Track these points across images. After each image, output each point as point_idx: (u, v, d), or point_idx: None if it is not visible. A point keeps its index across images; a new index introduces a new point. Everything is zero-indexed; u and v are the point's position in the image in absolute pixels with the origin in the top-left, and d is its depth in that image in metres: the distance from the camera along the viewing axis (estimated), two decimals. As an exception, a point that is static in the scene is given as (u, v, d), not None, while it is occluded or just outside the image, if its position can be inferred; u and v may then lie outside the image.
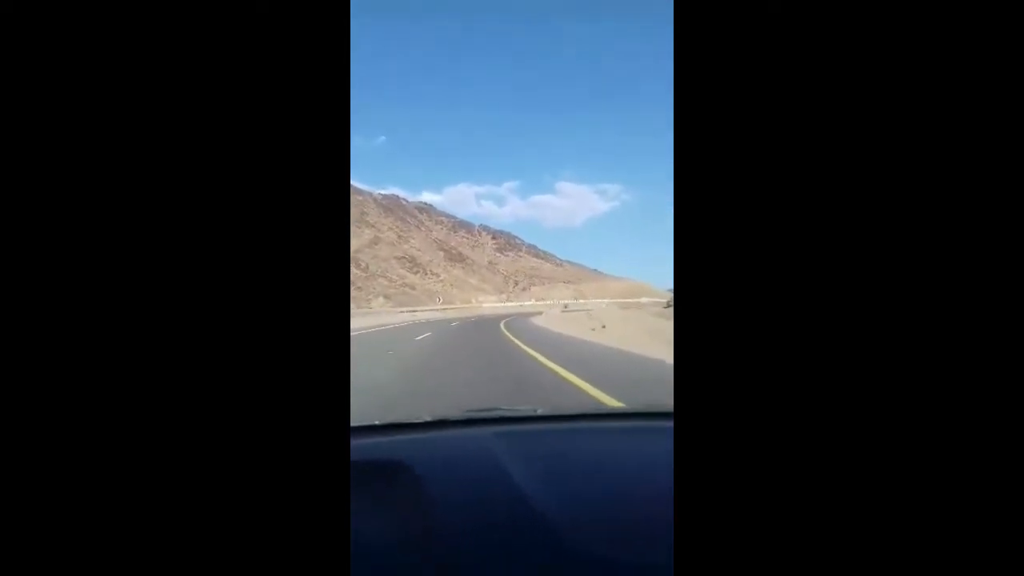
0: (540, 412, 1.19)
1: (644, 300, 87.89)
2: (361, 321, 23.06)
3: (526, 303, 74.89)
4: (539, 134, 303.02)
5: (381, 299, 68.09)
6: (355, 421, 0.82)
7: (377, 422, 1.01)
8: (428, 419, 1.07)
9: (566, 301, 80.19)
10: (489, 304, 65.17)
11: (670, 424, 1.07)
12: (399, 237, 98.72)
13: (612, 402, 3.70)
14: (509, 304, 71.57)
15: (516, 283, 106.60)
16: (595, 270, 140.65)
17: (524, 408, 1.22)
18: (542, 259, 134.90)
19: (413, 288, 76.04)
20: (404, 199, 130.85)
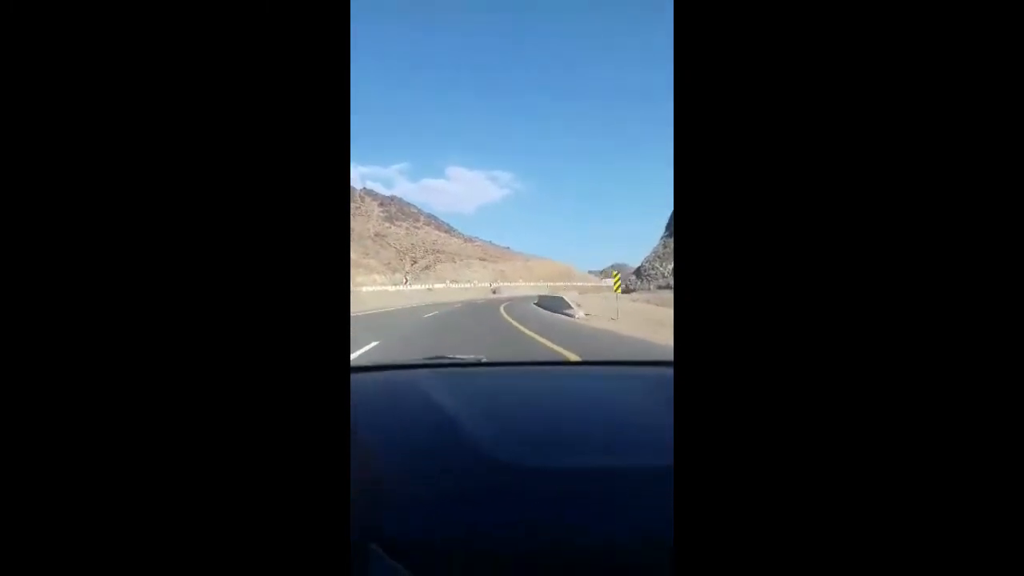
0: (484, 360, 1.28)
1: (605, 283, 64.44)
2: None
3: (436, 286, 47.77)
4: (430, 116, 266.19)
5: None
6: None
7: None
8: (367, 364, 1.17)
9: (495, 285, 55.37)
10: (372, 288, 36.84)
11: (606, 369, 1.23)
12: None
13: None
14: (413, 288, 43.49)
15: (415, 261, 77.70)
16: (507, 248, 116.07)
17: (468, 357, 1.29)
18: (447, 233, 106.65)
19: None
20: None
